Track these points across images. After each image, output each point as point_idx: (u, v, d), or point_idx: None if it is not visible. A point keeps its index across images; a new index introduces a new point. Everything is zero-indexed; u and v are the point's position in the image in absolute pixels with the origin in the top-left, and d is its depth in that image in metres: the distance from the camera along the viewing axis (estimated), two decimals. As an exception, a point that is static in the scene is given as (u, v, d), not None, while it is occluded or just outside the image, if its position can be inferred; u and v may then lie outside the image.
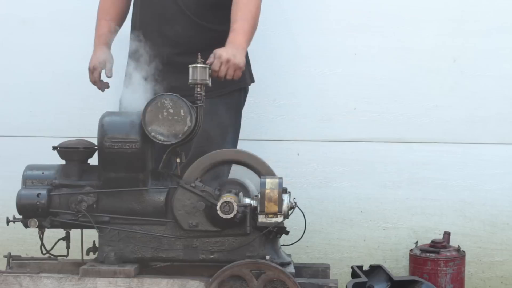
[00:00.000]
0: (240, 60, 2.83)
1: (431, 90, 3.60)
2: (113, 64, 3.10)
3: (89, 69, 3.07)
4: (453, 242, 3.45)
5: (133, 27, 3.14)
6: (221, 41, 2.93)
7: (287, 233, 2.71)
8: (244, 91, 3.23)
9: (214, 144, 2.99)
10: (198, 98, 2.72)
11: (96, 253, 2.79)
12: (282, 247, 2.82)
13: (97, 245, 2.77)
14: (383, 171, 3.63)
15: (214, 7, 3.03)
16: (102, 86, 3.12)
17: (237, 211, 2.60)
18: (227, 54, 2.80)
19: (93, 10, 3.21)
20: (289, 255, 2.81)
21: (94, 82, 3.09)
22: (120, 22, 3.23)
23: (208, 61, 2.78)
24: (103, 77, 3.09)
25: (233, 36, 2.90)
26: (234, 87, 3.12)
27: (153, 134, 2.67)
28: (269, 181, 2.63)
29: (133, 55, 3.03)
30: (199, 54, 2.71)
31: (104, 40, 3.14)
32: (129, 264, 2.69)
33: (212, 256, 2.72)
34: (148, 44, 2.97)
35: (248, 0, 2.98)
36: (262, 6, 3.53)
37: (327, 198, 3.65)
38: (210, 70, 2.74)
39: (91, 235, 2.78)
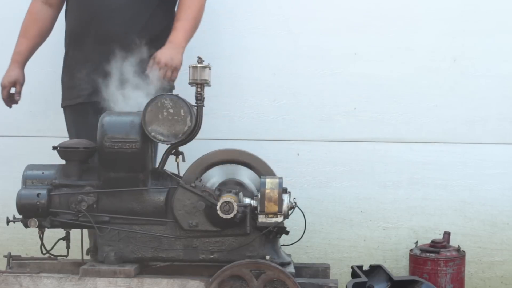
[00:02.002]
0: (177, 62, 3.00)
1: (431, 90, 3.60)
2: (24, 84, 3.23)
3: (1, 85, 3.21)
4: (453, 242, 3.45)
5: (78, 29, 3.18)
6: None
7: (287, 233, 2.71)
8: None
9: None
10: (198, 98, 2.73)
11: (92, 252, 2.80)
12: (282, 247, 2.82)
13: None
14: (383, 171, 3.62)
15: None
16: (10, 102, 3.26)
17: (237, 211, 2.60)
18: (165, 58, 2.97)
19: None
20: (289, 255, 2.81)
21: (3, 99, 3.24)
22: (40, 41, 3.30)
23: (149, 65, 2.96)
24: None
25: (173, 35, 3.06)
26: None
27: (153, 134, 2.68)
28: (269, 181, 2.63)
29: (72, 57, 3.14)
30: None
31: (20, 58, 3.25)
32: (129, 264, 2.69)
33: (212, 256, 2.72)
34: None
35: (192, 1, 3.10)
36: (262, 6, 3.57)
37: (327, 198, 3.64)
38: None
39: (91, 235, 2.79)
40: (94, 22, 3.06)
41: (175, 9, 3.19)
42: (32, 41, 3.26)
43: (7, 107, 3.30)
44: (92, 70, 3.05)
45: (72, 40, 3.18)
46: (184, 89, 2.89)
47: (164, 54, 2.98)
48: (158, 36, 3.10)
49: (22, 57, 3.25)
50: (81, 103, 3.14)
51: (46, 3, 3.27)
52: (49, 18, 3.27)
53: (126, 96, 2.85)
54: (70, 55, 3.20)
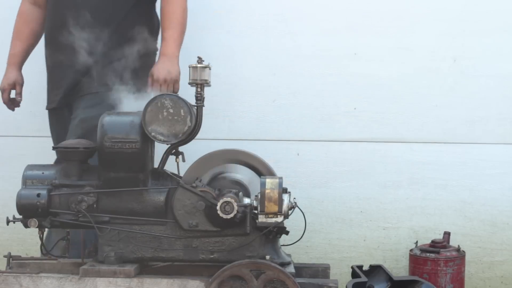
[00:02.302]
0: (175, 73, 3.01)
1: (431, 90, 3.60)
2: (23, 85, 3.25)
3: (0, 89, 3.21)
4: (453, 242, 3.45)
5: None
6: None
7: (287, 233, 2.71)
8: None
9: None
10: (198, 98, 2.73)
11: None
12: (282, 247, 2.82)
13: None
14: (383, 171, 3.62)
15: None
16: (12, 105, 3.28)
17: (237, 211, 2.60)
18: (163, 73, 2.98)
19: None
20: (289, 255, 2.80)
21: (4, 103, 3.24)
22: (34, 42, 3.29)
23: (149, 84, 2.98)
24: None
25: (165, 47, 3.05)
26: None
27: (153, 134, 2.67)
28: (269, 181, 2.63)
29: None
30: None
31: (16, 60, 3.25)
32: (129, 264, 2.69)
33: (212, 256, 2.72)
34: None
35: (174, 7, 3.08)
36: (261, 6, 3.56)
37: (327, 198, 3.65)
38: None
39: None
40: (67, 22, 3.03)
41: (153, 9, 3.19)
42: (25, 42, 3.26)
43: (8, 108, 3.30)
44: (66, 73, 3.05)
45: (48, 42, 3.18)
46: (184, 89, 2.89)
47: (161, 69, 2.99)
48: (133, 36, 3.07)
49: (18, 59, 3.26)
50: (55, 108, 3.15)
51: (35, 4, 3.26)
52: (39, 18, 3.26)
53: (100, 99, 2.86)
54: (47, 57, 3.19)
